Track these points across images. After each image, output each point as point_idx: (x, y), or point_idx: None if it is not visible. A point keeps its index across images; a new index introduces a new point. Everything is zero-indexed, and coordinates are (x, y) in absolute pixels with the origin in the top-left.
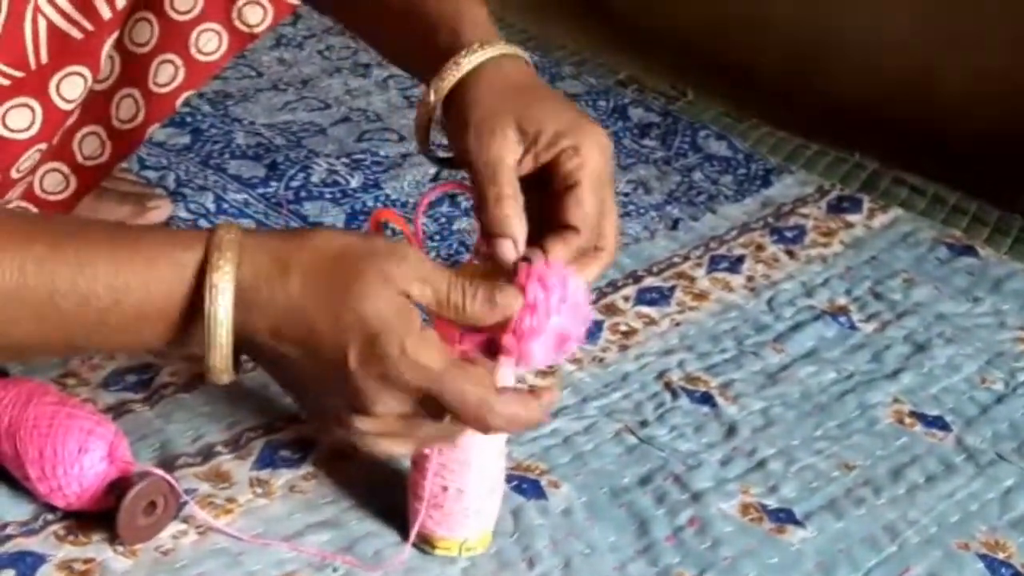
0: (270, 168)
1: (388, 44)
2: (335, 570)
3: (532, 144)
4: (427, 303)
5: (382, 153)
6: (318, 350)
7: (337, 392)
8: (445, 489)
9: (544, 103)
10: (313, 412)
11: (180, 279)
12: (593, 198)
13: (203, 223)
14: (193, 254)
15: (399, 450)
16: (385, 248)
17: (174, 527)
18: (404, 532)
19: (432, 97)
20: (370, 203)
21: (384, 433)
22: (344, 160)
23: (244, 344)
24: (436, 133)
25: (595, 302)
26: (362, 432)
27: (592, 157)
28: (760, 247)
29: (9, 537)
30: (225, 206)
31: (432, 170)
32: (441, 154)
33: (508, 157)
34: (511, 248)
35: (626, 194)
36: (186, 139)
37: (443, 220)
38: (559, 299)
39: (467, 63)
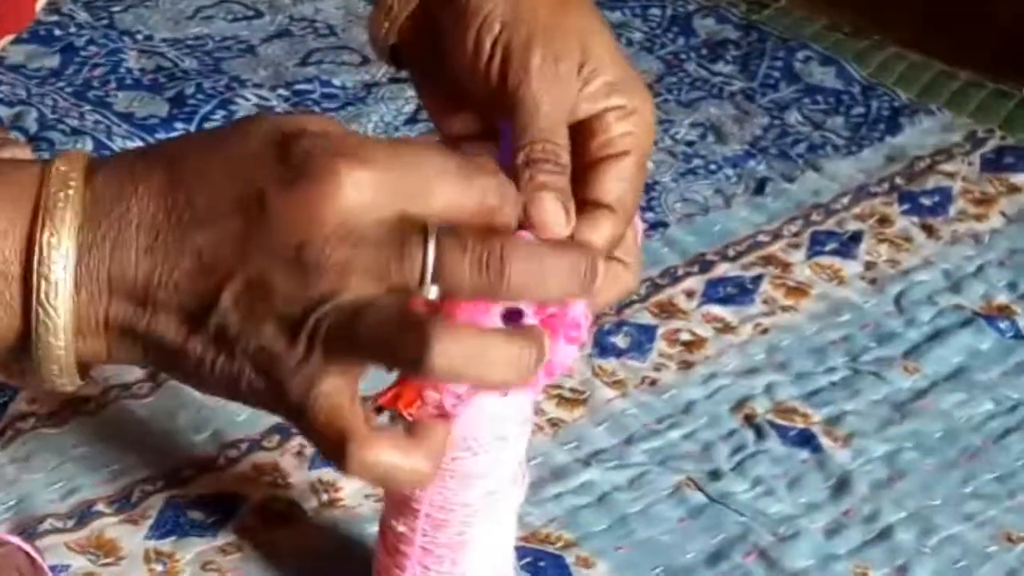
0: (175, 103)
1: None
2: None
3: (580, 88)
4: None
5: (336, 83)
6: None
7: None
8: None
9: (598, 37)
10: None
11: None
12: (640, 177)
13: None
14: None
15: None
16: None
17: None
18: None
19: None
20: None
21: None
22: (282, 92)
23: (101, 318)
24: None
25: (642, 298)
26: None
27: (646, 127)
28: (884, 220)
29: None
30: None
31: (409, 106)
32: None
33: (567, 105)
34: (558, 208)
35: (689, 143)
36: (54, 61)
37: None
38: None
39: None
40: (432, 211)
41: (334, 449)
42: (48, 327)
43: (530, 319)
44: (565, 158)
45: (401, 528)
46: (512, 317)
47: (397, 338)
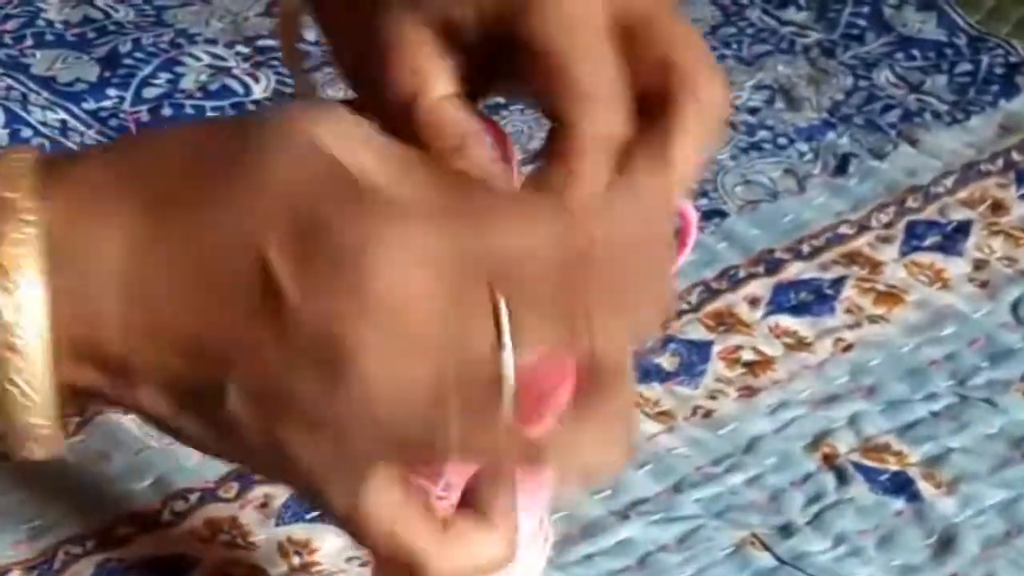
0: (107, 64)
1: None
2: None
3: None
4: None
5: (309, 38)
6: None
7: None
8: None
9: None
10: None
11: None
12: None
13: None
14: None
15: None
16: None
17: None
18: None
19: None
20: None
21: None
22: (241, 49)
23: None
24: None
25: (694, 307)
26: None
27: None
28: (999, 206)
29: None
30: (26, 132)
31: None
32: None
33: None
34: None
35: (753, 111)
36: None
37: None
38: None
39: None
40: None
41: (406, 570)
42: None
43: None
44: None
45: None
46: None
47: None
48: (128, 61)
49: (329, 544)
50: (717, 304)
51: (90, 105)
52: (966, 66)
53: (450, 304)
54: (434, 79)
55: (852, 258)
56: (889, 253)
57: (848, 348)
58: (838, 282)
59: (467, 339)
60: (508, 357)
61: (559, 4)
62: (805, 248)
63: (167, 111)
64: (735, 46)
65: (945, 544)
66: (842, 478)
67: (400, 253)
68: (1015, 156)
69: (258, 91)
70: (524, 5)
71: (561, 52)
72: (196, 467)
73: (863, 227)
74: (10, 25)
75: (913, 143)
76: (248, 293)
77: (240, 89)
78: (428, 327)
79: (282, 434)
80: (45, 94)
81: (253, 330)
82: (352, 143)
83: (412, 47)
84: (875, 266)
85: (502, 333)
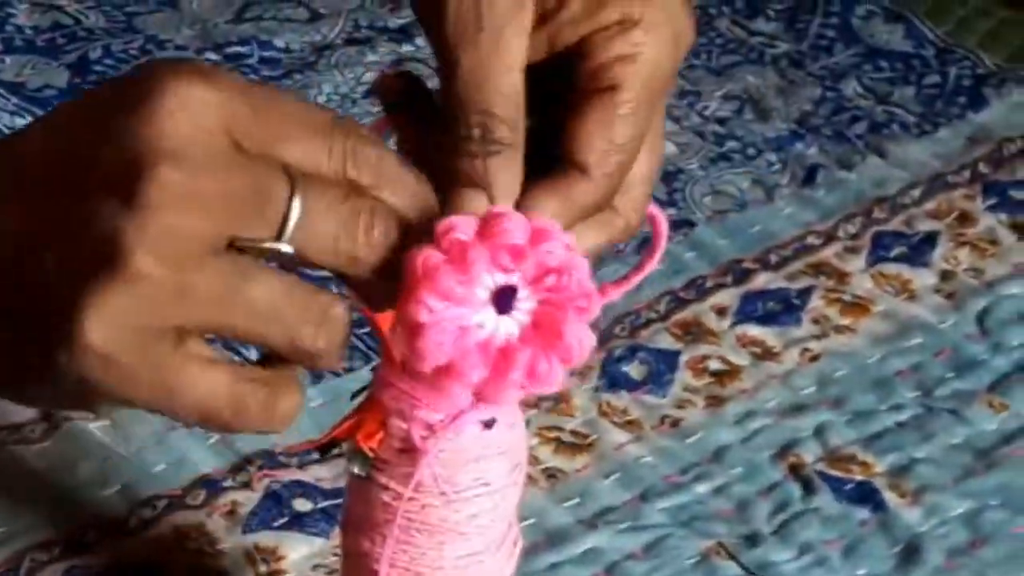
0: (76, 70)
1: None
2: None
3: (554, 10)
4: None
5: (279, 43)
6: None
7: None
8: None
9: None
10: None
11: None
12: (636, 118)
13: None
14: None
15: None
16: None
17: None
18: None
19: None
20: None
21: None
22: (211, 56)
23: None
24: None
25: (662, 316)
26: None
27: (653, 47)
28: (966, 218)
29: None
30: None
31: (370, 74)
32: None
33: (514, 42)
34: (482, 205)
35: (721, 120)
36: None
37: None
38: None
39: None
40: (283, 160)
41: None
42: None
43: (525, 298)
44: (501, 130)
45: None
46: (503, 297)
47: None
48: (98, 67)
49: (296, 552)
50: (685, 313)
51: None
52: (934, 78)
53: (237, 177)
54: None
55: (819, 268)
56: (856, 264)
57: (815, 358)
58: (805, 292)
59: (255, 214)
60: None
61: None
62: (773, 258)
63: None
64: (704, 56)
65: (909, 554)
66: (808, 488)
67: (197, 108)
68: (982, 168)
69: None
70: None
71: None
72: (163, 474)
73: (830, 238)
74: None
75: (881, 154)
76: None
77: None
78: (215, 181)
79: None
80: (14, 100)
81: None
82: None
83: None
84: (842, 277)
85: (288, 221)
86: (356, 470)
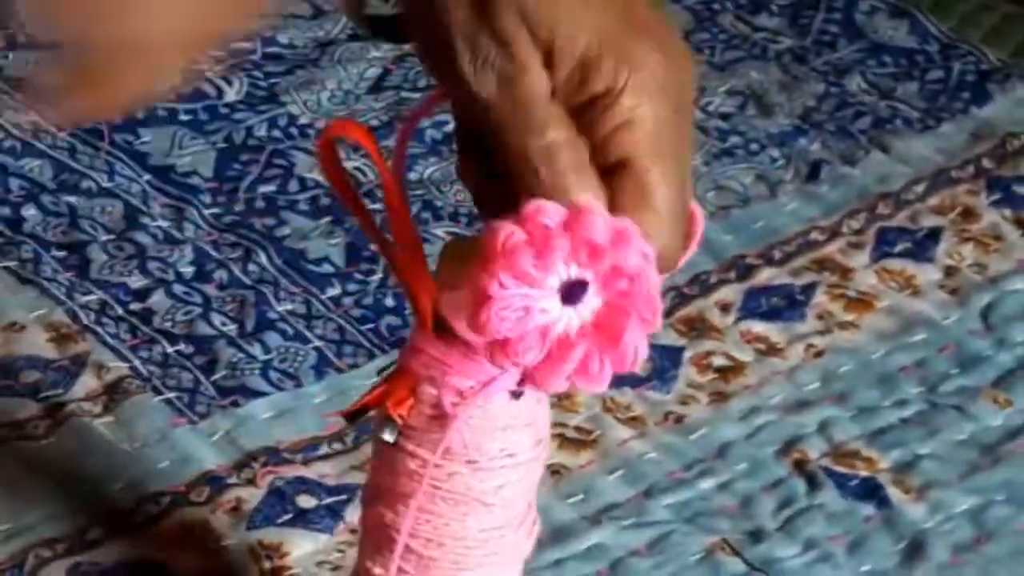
0: None
1: None
2: None
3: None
4: None
5: (282, 40)
6: None
7: None
8: None
9: None
10: None
11: None
12: (663, 173)
13: None
14: None
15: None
16: None
17: None
18: None
19: None
20: (261, 129)
21: None
22: (213, 52)
23: None
24: None
25: (665, 312)
26: None
27: (648, 106)
28: (969, 213)
29: None
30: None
31: (373, 70)
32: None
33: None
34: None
35: (725, 116)
36: None
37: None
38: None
39: None
40: None
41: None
42: None
43: (593, 296)
44: (554, 131)
45: (378, 570)
46: (573, 290)
47: None
48: None
49: (300, 549)
50: (689, 309)
51: None
52: (938, 73)
53: None
54: None
55: (823, 264)
56: (860, 259)
57: (819, 354)
58: (809, 288)
59: None
60: None
61: None
62: (776, 254)
63: (139, 115)
64: (708, 52)
65: (914, 550)
66: (812, 484)
67: None
68: (986, 163)
69: (231, 94)
70: None
71: None
72: (168, 470)
73: (834, 233)
74: None
75: (884, 150)
76: None
77: (210, 92)
78: None
79: None
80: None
81: None
82: None
83: None
84: (846, 272)
85: None
86: (386, 436)
